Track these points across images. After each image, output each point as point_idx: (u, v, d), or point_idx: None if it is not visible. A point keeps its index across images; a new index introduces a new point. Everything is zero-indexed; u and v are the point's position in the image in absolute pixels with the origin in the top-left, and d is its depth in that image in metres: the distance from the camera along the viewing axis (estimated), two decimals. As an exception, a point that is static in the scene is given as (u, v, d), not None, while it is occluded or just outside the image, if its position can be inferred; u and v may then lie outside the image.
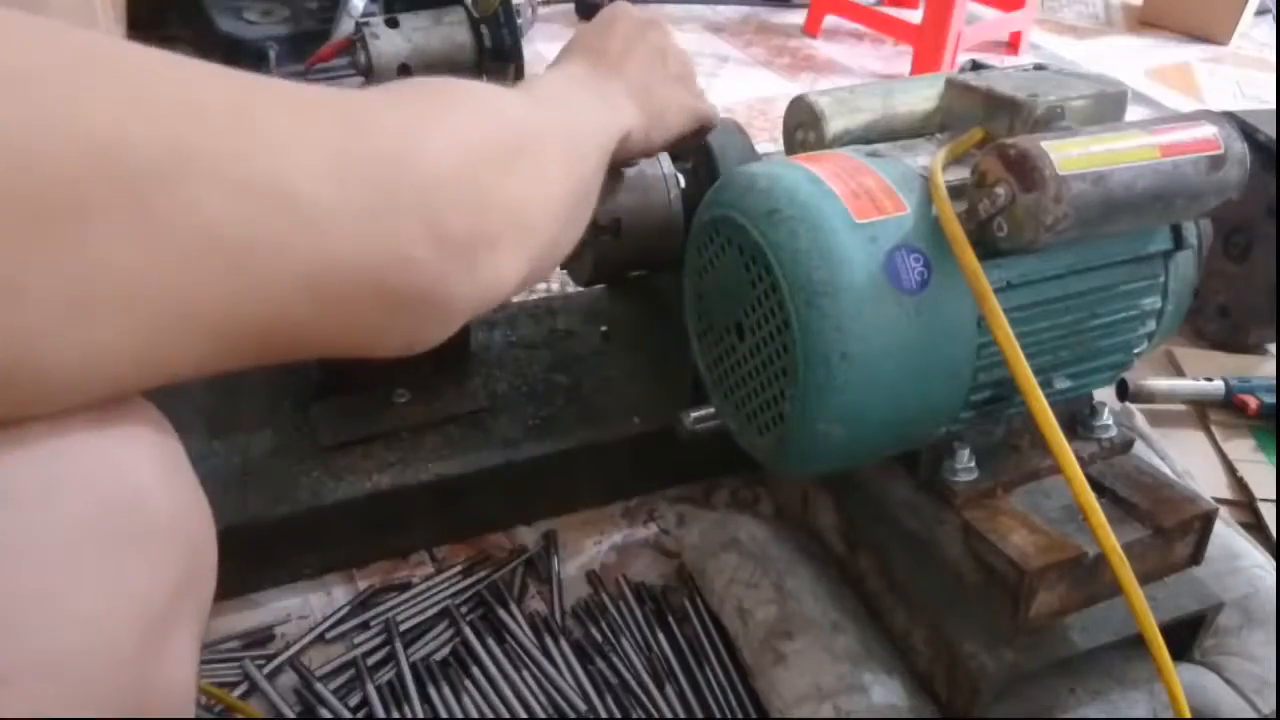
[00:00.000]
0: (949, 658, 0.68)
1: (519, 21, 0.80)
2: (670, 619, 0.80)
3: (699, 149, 0.84)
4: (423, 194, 0.39)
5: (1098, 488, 0.67)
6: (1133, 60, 2.14)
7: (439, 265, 0.40)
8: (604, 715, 0.73)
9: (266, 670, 0.75)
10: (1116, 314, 0.69)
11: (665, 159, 0.83)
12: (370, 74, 0.80)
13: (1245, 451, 1.00)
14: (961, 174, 0.62)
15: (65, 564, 0.30)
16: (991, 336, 0.58)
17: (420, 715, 0.73)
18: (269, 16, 1.71)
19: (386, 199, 0.37)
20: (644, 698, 0.75)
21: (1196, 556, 0.69)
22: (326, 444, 0.86)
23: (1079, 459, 0.59)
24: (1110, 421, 0.72)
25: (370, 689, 0.73)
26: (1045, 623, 0.66)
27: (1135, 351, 0.72)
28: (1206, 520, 0.68)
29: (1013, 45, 2.16)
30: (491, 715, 0.73)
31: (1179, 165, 0.61)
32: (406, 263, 0.38)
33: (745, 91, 1.86)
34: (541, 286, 1.24)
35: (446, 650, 0.78)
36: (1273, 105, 1.22)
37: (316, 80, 0.95)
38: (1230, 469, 0.97)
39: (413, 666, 0.75)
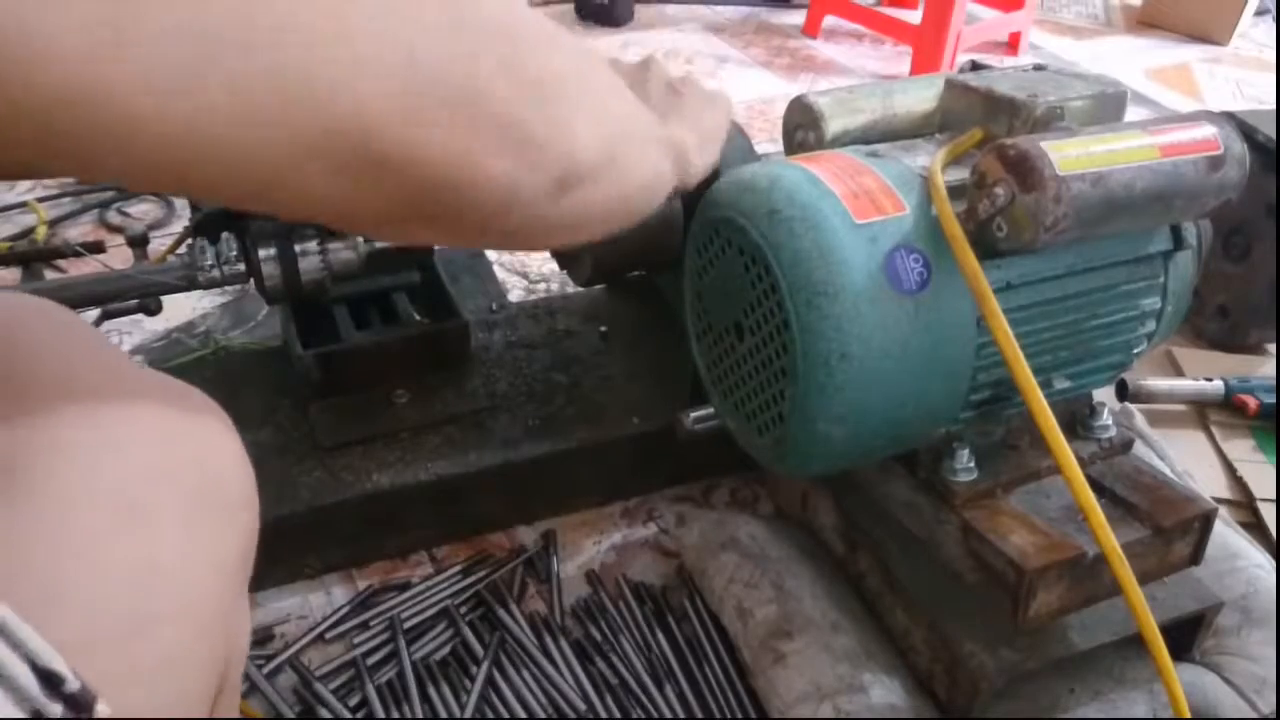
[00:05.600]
0: (949, 657, 0.69)
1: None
2: (670, 619, 0.80)
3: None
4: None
5: (1098, 488, 0.67)
6: (1133, 60, 2.14)
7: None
8: (604, 715, 0.73)
9: (266, 670, 0.75)
10: (1116, 314, 0.69)
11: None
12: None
13: (1245, 451, 1.00)
14: (961, 174, 0.62)
15: (173, 528, 0.36)
16: (991, 336, 0.58)
17: (420, 715, 0.73)
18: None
19: None
20: (644, 698, 0.75)
21: (1196, 556, 0.69)
22: (326, 444, 0.86)
23: (1079, 459, 0.59)
24: (1110, 421, 0.72)
25: (370, 689, 0.73)
26: (1045, 623, 0.66)
27: (1135, 352, 0.72)
28: (1206, 520, 0.68)
29: (1012, 45, 2.16)
30: (492, 715, 0.73)
31: (1178, 165, 0.61)
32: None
33: (745, 92, 1.86)
34: (541, 286, 1.24)
35: (446, 650, 0.78)
36: (1273, 105, 1.22)
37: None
38: (1230, 469, 0.97)
39: (413, 666, 0.75)
